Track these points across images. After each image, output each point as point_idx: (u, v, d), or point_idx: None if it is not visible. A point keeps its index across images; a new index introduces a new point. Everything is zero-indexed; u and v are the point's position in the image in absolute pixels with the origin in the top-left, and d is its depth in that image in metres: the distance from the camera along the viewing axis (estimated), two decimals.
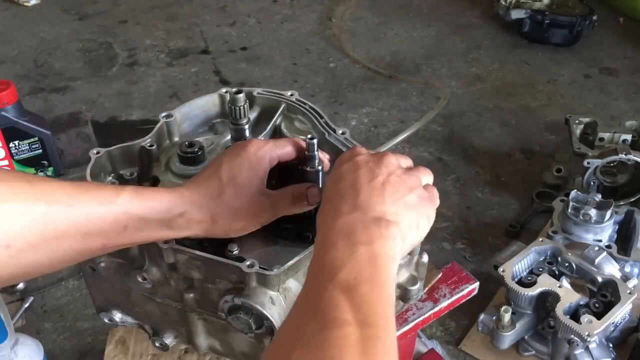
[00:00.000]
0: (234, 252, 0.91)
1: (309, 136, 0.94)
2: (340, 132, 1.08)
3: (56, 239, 0.77)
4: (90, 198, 0.80)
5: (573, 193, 1.89)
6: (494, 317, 1.74)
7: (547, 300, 1.67)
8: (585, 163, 2.06)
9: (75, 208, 0.78)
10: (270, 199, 0.91)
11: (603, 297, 1.65)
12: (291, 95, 1.16)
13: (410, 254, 0.94)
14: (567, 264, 1.73)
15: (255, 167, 0.90)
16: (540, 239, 1.80)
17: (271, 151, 0.93)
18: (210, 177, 0.89)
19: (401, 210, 0.77)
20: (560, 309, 1.59)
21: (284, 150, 0.95)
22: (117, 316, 1.08)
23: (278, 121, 1.15)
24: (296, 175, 0.96)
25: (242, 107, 1.04)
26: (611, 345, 1.70)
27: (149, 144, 1.06)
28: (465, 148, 2.67)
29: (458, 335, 1.89)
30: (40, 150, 2.29)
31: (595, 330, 1.54)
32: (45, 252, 0.78)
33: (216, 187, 0.87)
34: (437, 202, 0.84)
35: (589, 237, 1.85)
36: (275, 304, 0.87)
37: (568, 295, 1.62)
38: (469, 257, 2.16)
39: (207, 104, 1.16)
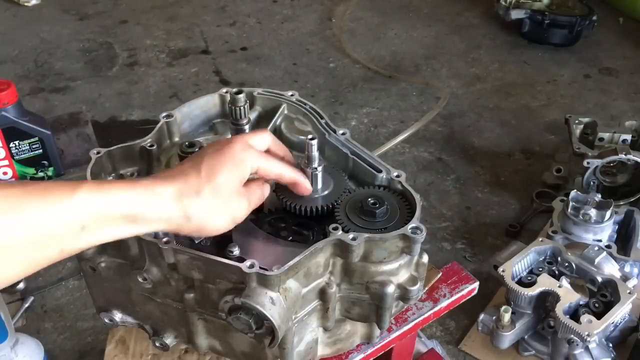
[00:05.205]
0: (235, 253, 0.91)
1: (309, 136, 0.94)
2: (341, 132, 1.08)
3: (5, 250, 0.71)
4: (39, 204, 0.74)
5: (573, 193, 1.89)
6: (494, 317, 1.74)
7: (547, 300, 1.67)
8: (585, 163, 2.06)
9: (21, 218, 0.72)
10: (243, 203, 0.88)
11: (603, 297, 1.65)
12: (291, 95, 1.16)
13: (410, 254, 0.93)
14: (567, 264, 1.73)
15: (236, 168, 0.86)
16: (540, 239, 1.80)
17: (256, 159, 0.89)
18: (188, 172, 0.85)
19: None
20: (560, 309, 1.59)
21: (266, 167, 0.90)
22: (117, 316, 1.09)
23: (278, 121, 1.15)
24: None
25: (242, 108, 1.05)
26: (611, 345, 1.70)
27: (149, 144, 1.06)
28: (465, 148, 2.67)
29: (458, 335, 1.90)
30: (41, 150, 2.29)
31: (595, 330, 1.54)
32: None
33: (194, 184, 0.83)
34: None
35: (588, 237, 1.85)
36: (275, 304, 0.86)
37: (568, 295, 1.62)
38: (469, 257, 2.16)
39: (207, 104, 1.16)
